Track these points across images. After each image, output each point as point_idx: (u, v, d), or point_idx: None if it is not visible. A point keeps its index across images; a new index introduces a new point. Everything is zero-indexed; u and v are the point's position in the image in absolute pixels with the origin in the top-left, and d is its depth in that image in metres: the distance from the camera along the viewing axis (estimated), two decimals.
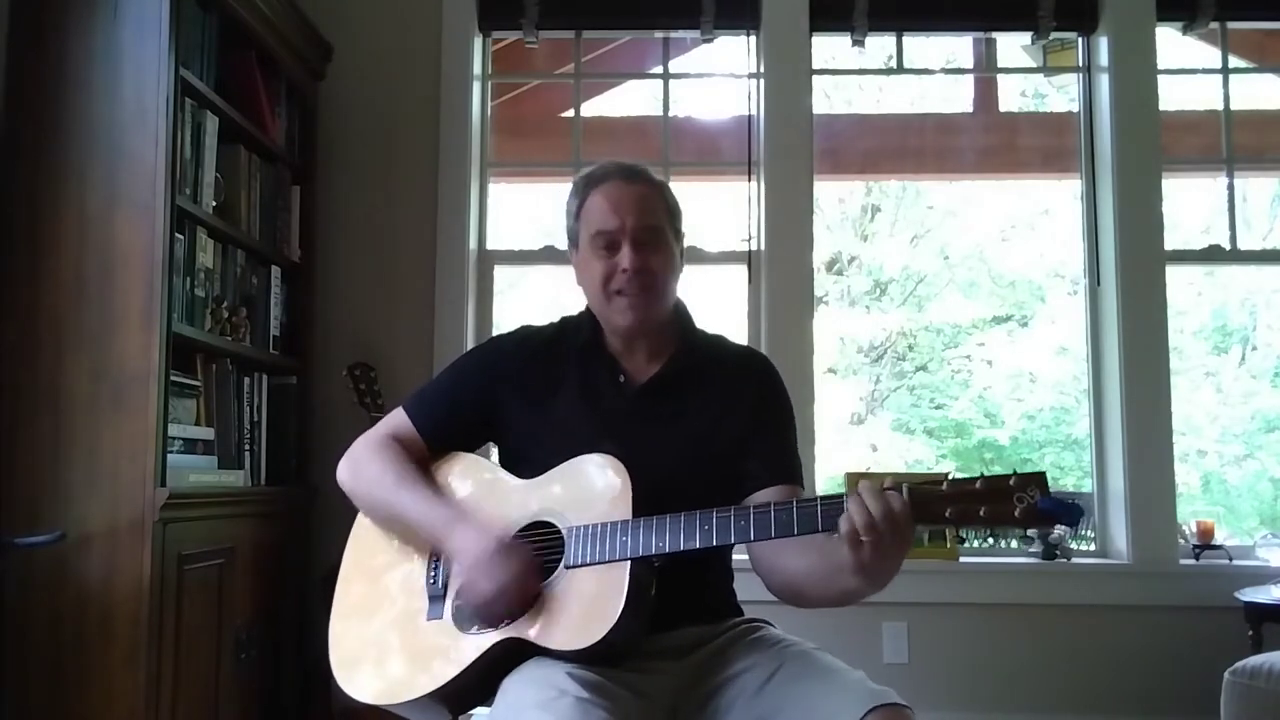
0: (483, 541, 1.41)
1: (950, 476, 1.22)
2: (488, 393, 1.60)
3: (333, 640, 1.55)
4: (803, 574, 1.40)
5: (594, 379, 1.59)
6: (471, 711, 1.51)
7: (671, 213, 1.62)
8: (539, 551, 1.44)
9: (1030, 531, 1.20)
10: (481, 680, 1.41)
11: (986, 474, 1.21)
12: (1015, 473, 1.19)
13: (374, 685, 1.47)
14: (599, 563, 1.37)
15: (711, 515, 1.34)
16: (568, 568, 1.40)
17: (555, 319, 1.69)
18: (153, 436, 2.22)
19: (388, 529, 1.59)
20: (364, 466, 1.59)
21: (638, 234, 1.53)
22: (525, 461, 1.54)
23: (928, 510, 1.20)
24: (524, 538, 1.46)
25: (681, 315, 1.65)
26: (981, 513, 1.18)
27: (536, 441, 1.55)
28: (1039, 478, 1.18)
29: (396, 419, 1.64)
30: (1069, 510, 1.16)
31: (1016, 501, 1.17)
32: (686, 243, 1.67)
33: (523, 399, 1.58)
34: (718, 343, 1.68)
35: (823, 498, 1.27)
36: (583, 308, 1.66)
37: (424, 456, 1.61)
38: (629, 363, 1.60)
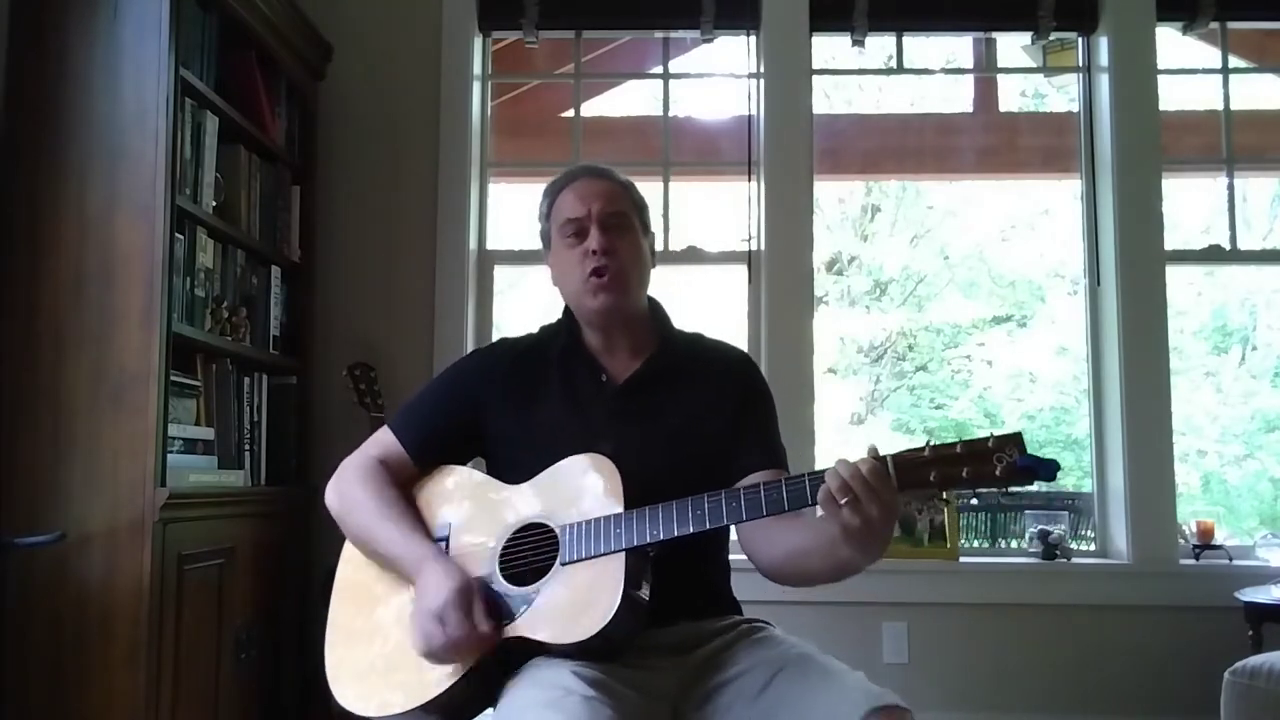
0: (443, 590, 1.38)
1: (931, 443, 1.25)
2: (473, 403, 1.62)
3: (329, 654, 1.53)
4: (795, 549, 1.42)
5: (576, 380, 1.60)
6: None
7: (638, 206, 1.66)
8: (535, 553, 1.45)
9: (1011, 489, 1.24)
10: (481, 686, 1.41)
11: (965, 439, 1.25)
12: (993, 435, 1.23)
13: (371, 698, 1.45)
14: (595, 556, 1.38)
15: (703, 499, 1.36)
16: (564, 564, 1.41)
17: (533, 329, 1.71)
18: (153, 436, 2.22)
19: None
20: (348, 494, 1.59)
21: (604, 218, 1.58)
22: (514, 468, 1.55)
23: (914, 475, 1.23)
24: (518, 540, 1.47)
25: (659, 314, 1.68)
26: (964, 474, 1.22)
27: (523, 447, 1.55)
28: (1016, 437, 1.21)
29: (383, 439, 1.64)
30: (1046, 465, 1.20)
31: (996, 461, 1.21)
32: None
33: (508, 405, 1.60)
34: (696, 340, 1.70)
35: (810, 473, 1.31)
36: (559, 315, 1.68)
37: (412, 476, 1.62)
38: (609, 361, 1.62)
